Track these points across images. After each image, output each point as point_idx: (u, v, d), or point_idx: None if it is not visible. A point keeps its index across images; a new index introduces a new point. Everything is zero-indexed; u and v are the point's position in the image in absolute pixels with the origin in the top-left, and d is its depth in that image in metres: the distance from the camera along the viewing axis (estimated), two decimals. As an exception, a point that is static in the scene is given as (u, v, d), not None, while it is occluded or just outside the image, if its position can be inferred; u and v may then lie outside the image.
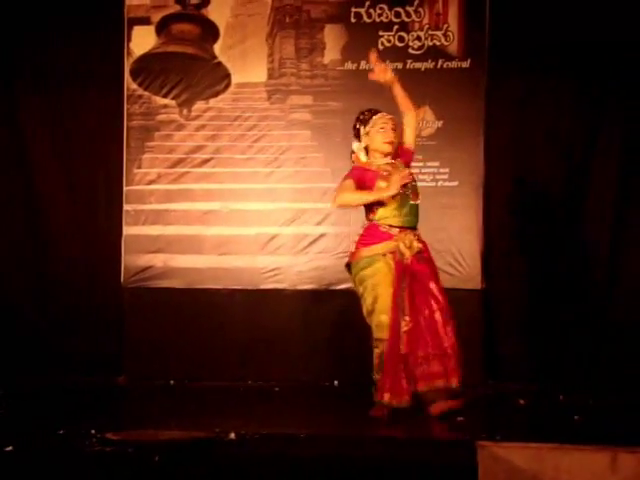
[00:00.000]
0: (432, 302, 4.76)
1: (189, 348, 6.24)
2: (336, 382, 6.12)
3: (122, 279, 6.34)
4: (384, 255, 4.80)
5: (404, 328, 4.73)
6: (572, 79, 6.13)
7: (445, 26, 6.21)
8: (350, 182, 4.83)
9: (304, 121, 6.35)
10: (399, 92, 4.90)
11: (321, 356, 6.17)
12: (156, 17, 6.41)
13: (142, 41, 6.41)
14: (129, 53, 6.39)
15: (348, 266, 4.95)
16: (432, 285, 4.79)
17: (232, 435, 4.14)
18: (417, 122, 5.06)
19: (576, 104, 6.14)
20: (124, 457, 3.83)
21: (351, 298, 6.13)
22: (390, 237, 4.81)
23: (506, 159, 6.24)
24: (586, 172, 6.15)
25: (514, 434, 4.20)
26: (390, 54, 6.23)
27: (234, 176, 6.39)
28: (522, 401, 5.29)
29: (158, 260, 6.36)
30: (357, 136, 4.95)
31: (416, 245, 4.81)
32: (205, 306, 6.31)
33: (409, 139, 4.96)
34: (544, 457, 3.82)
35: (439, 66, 6.21)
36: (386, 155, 4.91)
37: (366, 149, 4.93)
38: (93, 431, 4.11)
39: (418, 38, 6.23)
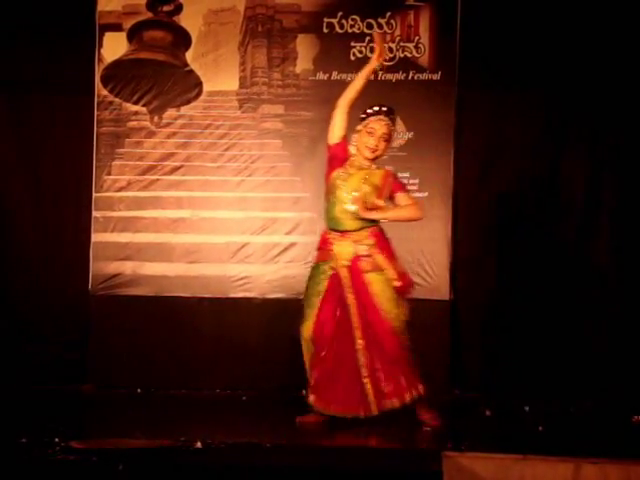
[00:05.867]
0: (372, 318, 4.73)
1: (156, 356, 6.20)
2: (304, 391, 6.10)
3: (90, 286, 6.29)
4: (325, 264, 4.80)
5: (358, 346, 4.74)
6: (540, 92, 6.20)
7: (416, 38, 6.25)
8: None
9: (275, 130, 6.35)
10: None
11: (289, 366, 6.14)
12: (128, 24, 6.37)
13: (113, 47, 6.37)
14: (100, 59, 6.35)
15: None
16: (372, 299, 4.72)
17: (198, 444, 4.13)
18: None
19: (544, 117, 6.21)
20: (88, 466, 3.80)
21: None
22: (329, 244, 4.79)
23: (476, 170, 6.28)
24: (555, 184, 6.22)
25: (479, 444, 4.22)
26: (362, 65, 6.21)
27: (204, 184, 6.37)
28: (488, 412, 5.32)
29: (127, 268, 6.31)
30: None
31: (348, 253, 4.72)
32: (173, 314, 6.28)
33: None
34: (509, 467, 3.85)
35: (410, 77, 6.25)
36: (366, 159, 4.83)
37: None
38: (57, 439, 4.08)
39: (390, 49, 6.25)
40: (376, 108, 4.86)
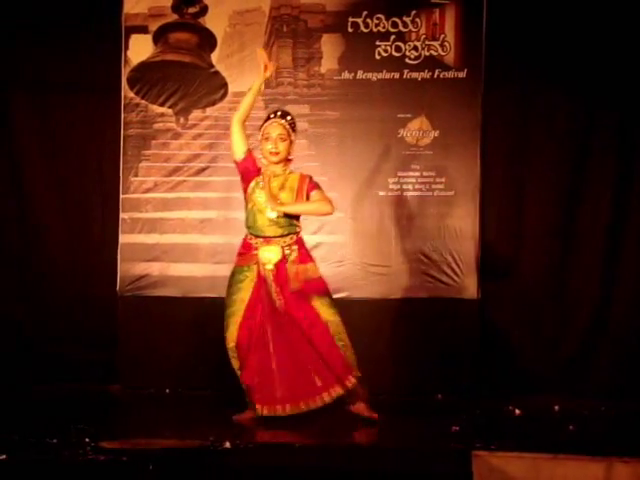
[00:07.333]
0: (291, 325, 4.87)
1: (184, 356, 6.22)
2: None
3: (118, 287, 6.33)
4: (248, 269, 4.91)
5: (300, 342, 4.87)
6: (567, 89, 6.15)
7: (442, 36, 6.23)
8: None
9: (301, 130, 6.25)
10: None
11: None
12: (154, 26, 6.40)
13: (139, 50, 6.39)
14: (126, 61, 6.38)
15: None
16: (291, 304, 4.86)
17: (227, 444, 4.13)
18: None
19: (571, 114, 6.17)
20: (118, 466, 3.82)
21: (347, 307, 6.17)
22: (253, 249, 4.92)
23: (502, 169, 6.25)
24: (582, 179, 6.17)
25: (509, 444, 4.19)
26: (387, 64, 6.25)
27: (230, 185, 6.34)
28: (518, 411, 5.29)
29: (154, 269, 6.34)
30: None
31: (274, 257, 4.86)
32: (201, 315, 6.28)
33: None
34: (539, 467, 3.83)
35: (436, 76, 6.22)
36: (274, 164, 4.95)
37: None
38: (87, 440, 4.10)
39: (415, 48, 6.24)
40: (271, 114, 5.01)
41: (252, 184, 4.97)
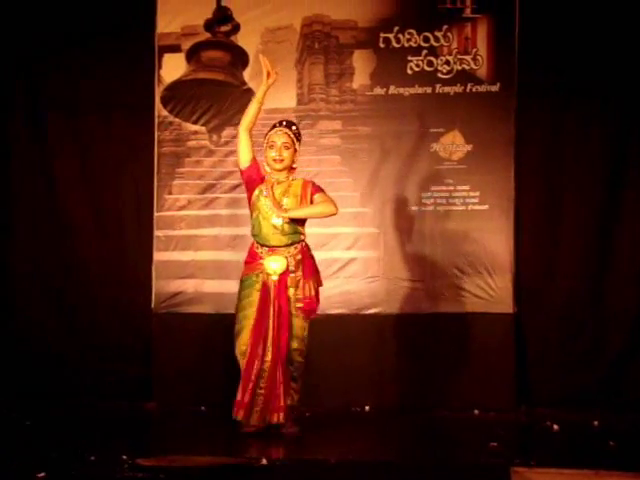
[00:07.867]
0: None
1: (220, 373, 6.21)
2: (367, 407, 6.08)
3: (153, 304, 6.36)
4: (256, 276, 4.98)
5: (266, 358, 4.94)
6: (601, 101, 6.11)
7: (474, 50, 6.22)
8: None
9: (333, 146, 6.36)
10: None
11: (351, 380, 6.14)
12: (186, 45, 6.46)
13: (173, 68, 6.46)
14: (160, 80, 6.44)
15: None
16: (287, 316, 4.94)
17: (264, 461, 4.12)
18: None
19: (605, 126, 6.12)
20: (156, 483, 3.83)
21: (381, 322, 6.17)
22: (258, 258, 5.00)
23: (536, 182, 6.21)
24: (618, 192, 6.11)
25: (548, 460, 4.15)
26: (419, 79, 6.25)
27: (264, 201, 6.38)
28: (556, 426, 5.23)
29: (189, 286, 6.37)
30: None
31: (278, 268, 4.92)
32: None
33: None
34: (580, 483, 3.78)
35: (468, 90, 6.21)
36: (278, 172, 5.04)
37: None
38: (124, 457, 4.11)
39: (447, 62, 6.24)
40: (276, 124, 5.11)
41: (256, 192, 5.07)
